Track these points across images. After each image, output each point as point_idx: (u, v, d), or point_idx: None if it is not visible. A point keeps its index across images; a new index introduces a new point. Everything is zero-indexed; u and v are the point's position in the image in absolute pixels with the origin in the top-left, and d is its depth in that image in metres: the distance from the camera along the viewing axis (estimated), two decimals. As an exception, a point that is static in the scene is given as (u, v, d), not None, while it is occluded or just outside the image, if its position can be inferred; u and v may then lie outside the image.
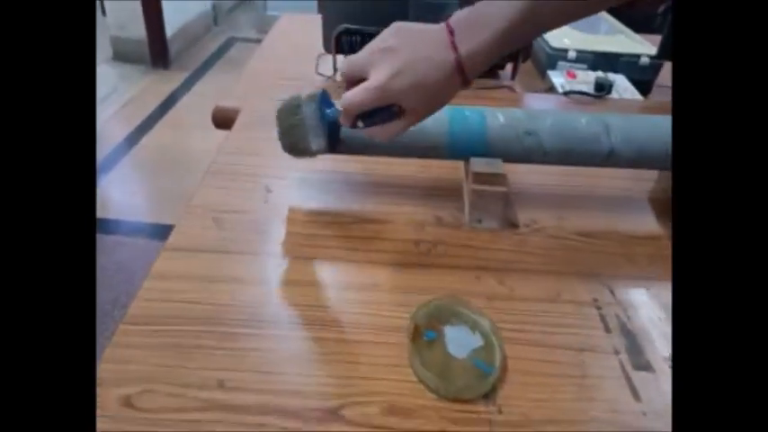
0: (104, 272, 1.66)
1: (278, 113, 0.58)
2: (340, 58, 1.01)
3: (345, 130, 0.59)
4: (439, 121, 0.60)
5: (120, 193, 2.11)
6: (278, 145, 0.61)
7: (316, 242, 0.58)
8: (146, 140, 2.38)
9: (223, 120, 0.96)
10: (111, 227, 1.89)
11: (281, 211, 0.63)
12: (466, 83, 0.47)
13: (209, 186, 0.66)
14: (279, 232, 0.60)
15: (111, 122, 2.50)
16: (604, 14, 1.34)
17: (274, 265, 0.55)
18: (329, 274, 0.55)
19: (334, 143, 0.59)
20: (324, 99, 0.56)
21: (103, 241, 1.80)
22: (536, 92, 1.04)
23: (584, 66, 1.09)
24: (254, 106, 0.85)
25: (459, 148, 0.61)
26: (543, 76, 1.10)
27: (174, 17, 2.97)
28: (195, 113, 2.54)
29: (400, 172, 0.70)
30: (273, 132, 0.61)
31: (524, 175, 0.68)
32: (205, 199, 0.64)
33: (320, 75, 1.01)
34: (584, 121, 0.60)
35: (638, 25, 1.24)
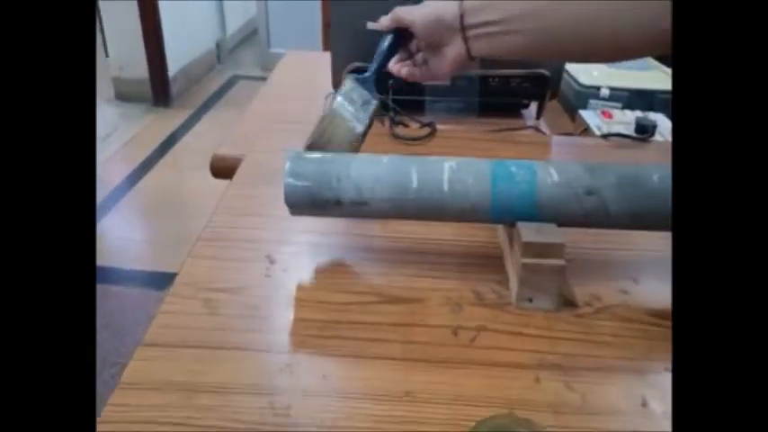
0: (94, 327, 1.54)
1: (333, 102, 0.60)
2: (351, 98, 0.92)
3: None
4: (480, 178, 0.50)
5: (114, 238, 2.00)
6: (282, 203, 0.51)
7: (331, 332, 0.47)
8: (144, 182, 2.29)
9: (222, 169, 0.86)
10: (100, 275, 1.77)
11: (287, 288, 0.52)
12: (467, 45, 0.55)
13: (200, 257, 0.55)
14: (284, 318, 0.49)
15: (109, 163, 2.42)
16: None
17: (277, 369, 0.44)
18: (348, 380, 0.43)
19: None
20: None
21: (95, 292, 1.69)
22: (566, 134, 0.94)
23: (619, 104, 1.00)
24: (257, 156, 0.74)
25: (504, 211, 0.50)
26: (572, 115, 1.00)
27: (177, 56, 2.92)
28: (196, 154, 2.45)
29: (428, 234, 0.59)
30: (277, 187, 0.50)
31: (573, 234, 0.57)
32: (195, 274, 0.53)
33: (329, 117, 0.91)
34: (657, 178, 0.50)
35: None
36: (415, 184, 0.50)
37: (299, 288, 0.52)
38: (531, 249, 0.48)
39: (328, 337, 0.47)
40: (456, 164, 0.51)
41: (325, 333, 0.47)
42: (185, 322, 0.47)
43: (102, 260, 1.83)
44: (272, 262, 0.55)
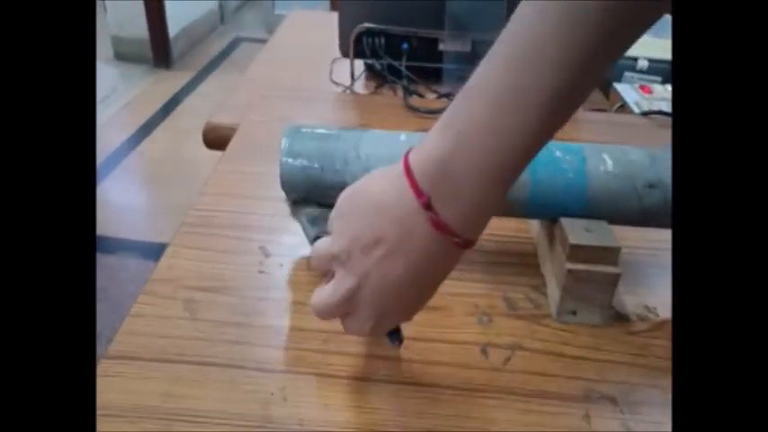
0: (87, 299, 1.48)
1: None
2: (358, 63, 0.83)
3: None
4: (517, 165, 0.41)
5: (111, 205, 1.93)
6: (277, 183, 0.43)
7: (335, 346, 0.39)
8: (144, 146, 2.20)
9: (216, 139, 0.78)
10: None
11: (284, 289, 0.44)
12: (468, 245, 0.30)
13: (182, 247, 0.47)
14: (280, 324, 0.41)
15: (108, 125, 2.33)
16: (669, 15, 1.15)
17: (269, 393, 0.36)
18: (354, 411, 0.35)
19: None
20: None
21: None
22: (599, 110, 0.84)
23: (659, 78, 0.90)
24: (251, 128, 0.66)
25: (546, 205, 0.42)
26: (605, 89, 0.91)
27: (179, 15, 2.80)
28: (198, 118, 2.35)
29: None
30: (274, 164, 0.42)
31: (621, 230, 0.48)
32: (175, 268, 0.45)
33: (335, 83, 0.82)
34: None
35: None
36: (439, 170, 0.41)
37: (298, 288, 0.44)
38: (580, 253, 0.39)
39: (332, 352, 0.39)
40: (490, 146, 0.42)
41: (328, 347, 0.39)
42: (161, 329, 0.40)
43: (97, 229, 1.76)
44: (266, 255, 0.47)
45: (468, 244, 0.30)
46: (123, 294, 1.58)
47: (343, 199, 0.32)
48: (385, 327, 0.34)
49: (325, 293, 0.33)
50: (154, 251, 1.69)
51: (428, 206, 0.28)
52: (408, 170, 0.29)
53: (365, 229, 0.30)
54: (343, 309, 0.32)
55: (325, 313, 0.33)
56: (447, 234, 0.29)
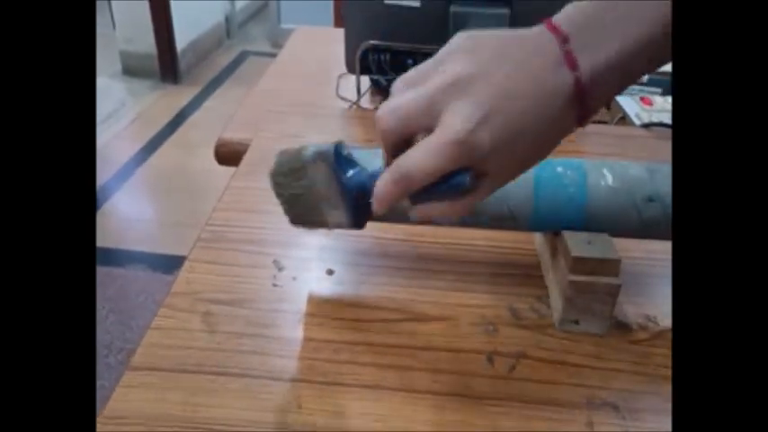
0: (97, 311, 1.50)
1: (273, 177, 0.41)
2: (364, 78, 0.85)
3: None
4: (520, 180, 0.43)
5: (120, 219, 1.96)
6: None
7: (346, 356, 0.41)
8: (152, 161, 2.23)
9: (227, 155, 0.80)
10: (104, 257, 1.73)
11: (297, 301, 0.46)
12: (583, 119, 0.31)
13: (198, 262, 0.49)
14: (294, 335, 0.43)
15: (116, 140, 2.36)
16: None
17: (286, 401, 0.38)
18: (366, 418, 0.37)
19: (363, 218, 0.41)
20: (340, 157, 0.38)
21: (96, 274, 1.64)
22: (600, 122, 0.86)
23: (659, 89, 0.91)
24: (264, 143, 0.68)
25: (548, 219, 0.43)
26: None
27: (186, 30, 2.84)
28: (205, 132, 2.39)
29: (455, 238, 0.52)
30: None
31: (621, 242, 0.50)
32: (193, 282, 0.47)
33: (342, 98, 0.84)
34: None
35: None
36: (445, 187, 0.43)
37: (310, 301, 0.46)
38: (582, 265, 0.41)
39: (343, 362, 0.40)
40: (494, 163, 0.44)
41: (340, 357, 0.41)
42: (181, 341, 0.41)
43: (107, 242, 1.79)
44: (279, 269, 0.49)
45: (586, 113, 0.30)
46: (134, 306, 1.60)
47: (457, 38, 0.31)
48: (481, 139, 0.29)
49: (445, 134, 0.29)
50: (163, 263, 1.72)
51: (565, 40, 0.29)
52: (548, 21, 0.30)
53: (492, 60, 0.29)
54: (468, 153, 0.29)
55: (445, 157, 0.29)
56: (577, 81, 0.29)
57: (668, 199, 0.42)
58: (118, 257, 1.74)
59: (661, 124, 0.77)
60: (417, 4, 0.80)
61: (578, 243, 0.42)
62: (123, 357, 1.41)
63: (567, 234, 0.43)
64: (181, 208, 1.96)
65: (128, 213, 1.99)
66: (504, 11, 0.80)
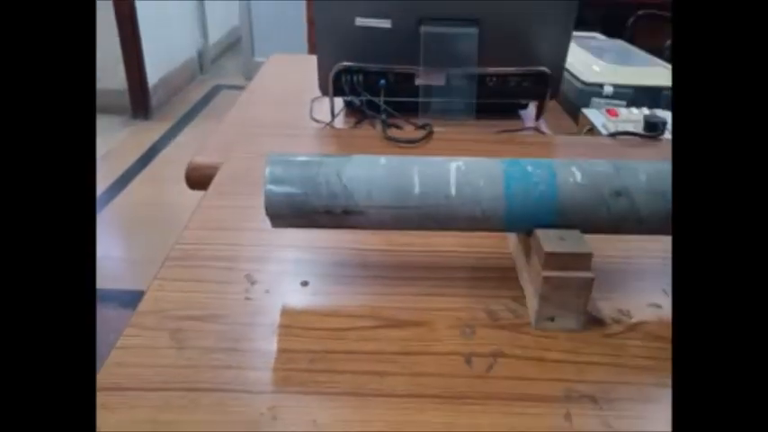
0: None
1: None
2: (338, 101, 0.86)
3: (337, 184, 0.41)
4: (491, 180, 0.43)
5: (93, 255, 1.90)
6: (263, 214, 0.44)
7: (322, 364, 0.40)
8: (122, 198, 2.20)
9: (198, 179, 0.79)
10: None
11: (270, 314, 0.45)
12: None
13: (167, 280, 0.48)
14: (268, 348, 0.42)
15: (86, 178, 2.32)
16: (629, 45, 1.20)
17: (259, 413, 0.36)
18: (344, 424, 0.36)
19: None
20: None
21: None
22: (570, 134, 0.88)
23: (623, 102, 0.94)
24: (234, 164, 0.67)
25: (521, 218, 0.44)
26: (574, 115, 0.95)
27: (157, 65, 2.84)
28: (176, 167, 2.36)
29: (429, 245, 0.52)
30: (257, 197, 0.43)
31: (594, 240, 0.50)
32: (161, 300, 0.45)
33: (315, 120, 0.84)
34: (693, 175, 0.43)
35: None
36: (417, 189, 0.43)
37: (285, 312, 0.45)
38: (555, 261, 0.41)
39: (319, 371, 0.39)
40: (464, 164, 0.44)
41: (316, 366, 0.40)
42: (148, 359, 0.40)
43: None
44: (252, 282, 0.48)
45: None
46: (103, 344, 1.55)
47: None
48: None
49: None
50: (133, 300, 1.66)
51: None
52: None
53: None
54: None
55: None
56: None
57: (635, 193, 0.43)
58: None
59: (626, 133, 0.79)
60: (388, 26, 0.82)
61: (551, 239, 0.42)
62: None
63: (539, 232, 0.43)
64: (151, 244, 1.92)
65: (98, 251, 1.95)
66: (473, 30, 0.82)
